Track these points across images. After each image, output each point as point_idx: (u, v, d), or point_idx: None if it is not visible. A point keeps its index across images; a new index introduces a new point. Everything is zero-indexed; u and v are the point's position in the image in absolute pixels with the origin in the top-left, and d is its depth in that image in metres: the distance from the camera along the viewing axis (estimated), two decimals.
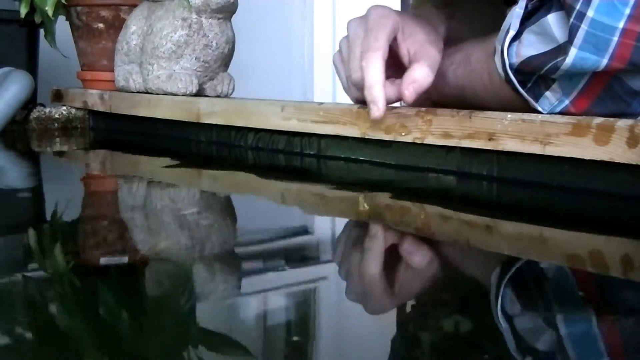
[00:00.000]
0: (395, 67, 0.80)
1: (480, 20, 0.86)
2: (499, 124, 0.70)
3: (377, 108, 0.75)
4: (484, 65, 0.74)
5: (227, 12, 1.18)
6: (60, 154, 1.15)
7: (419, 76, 0.76)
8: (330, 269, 0.51)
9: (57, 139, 1.26)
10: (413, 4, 0.96)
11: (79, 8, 1.35)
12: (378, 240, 0.58)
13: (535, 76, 0.67)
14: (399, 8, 1.74)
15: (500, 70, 0.69)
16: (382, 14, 0.78)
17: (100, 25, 1.35)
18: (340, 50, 0.84)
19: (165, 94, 1.18)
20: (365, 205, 0.69)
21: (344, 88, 0.85)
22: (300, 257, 0.54)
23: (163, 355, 0.36)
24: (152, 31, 1.20)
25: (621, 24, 0.61)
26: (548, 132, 0.66)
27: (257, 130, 0.99)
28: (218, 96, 1.21)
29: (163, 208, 0.72)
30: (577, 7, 0.62)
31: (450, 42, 0.82)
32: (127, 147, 1.19)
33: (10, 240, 0.60)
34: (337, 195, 0.74)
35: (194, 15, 1.16)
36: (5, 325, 0.39)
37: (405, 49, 0.78)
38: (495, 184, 0.73)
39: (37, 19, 1.32)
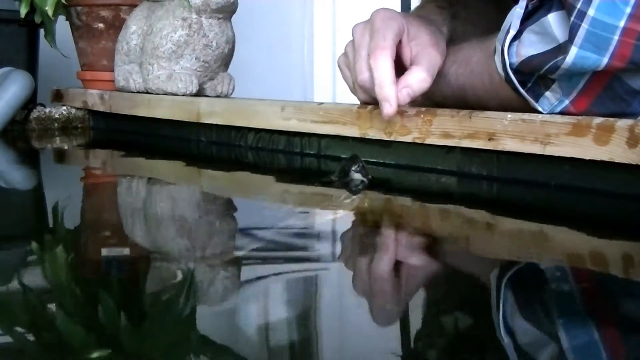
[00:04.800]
0: (399, 69, 0.80)
1: (485, 20, 0.86)
2: (499, 124, 0.70)
3: (390, 105, 0.75)
4: (484, 65, 0.74)
5: (227, 12, 1.18)
6: (60, 153, 1.15)
7: (414, 81, 0.76)
8: (331, 269, 0.51)
9: (57, 139, 1.26)
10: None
11: (79, 8, 1.35)
12: (379, 240, 0.58)
13: (535, 76, 0.67)
14: (398, 9, 1.74)
15: (500, 70, 0.69)
16: (388, 15, 0.78)
17: (100, 25, 1.35)
18: (345, 54, 0.83)
19: (165, 94, 1.18)
20: (365, 205, 0.69)
21: (351, 90, 0.84)
22: (301, 256, 0.54)
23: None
24: (152, 31, 1.20)
25: (622, 23, 0.61)
26: (548, 132, 0.66)
27: (257, 130, 0.99)
28: (218, 96, 1.21)
29: (163, 208, 0.72)
30: (578, 6, 0.62)
31: (453, 42, 0.82)
32: (127, 147, 1.19)
33: (10, 241, 0.60)
34: (337, 194, 0.74)
35: (194, 15, 1.16)
36: (4, 329, 0.39)
37: (408, 51, 0.78)
38: (495, 184, 0.73)
39: (37, 19, 1.32)
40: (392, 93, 0.74)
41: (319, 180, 0.78)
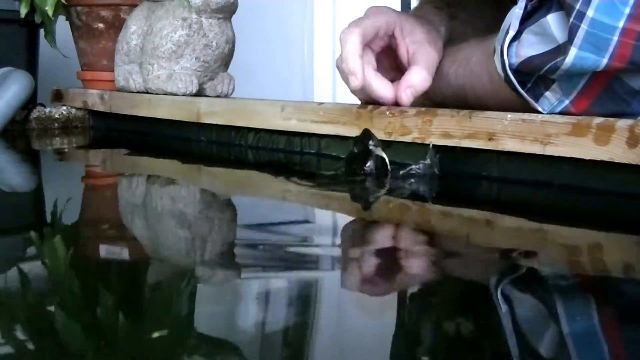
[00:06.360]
0: (396, 68, 0.80)
1: (484, 20, 0.86)
2: (499, 124, 0.70)
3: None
4: (483, 65, 0.74)
5: (227, 12, 1.18)
6: (60, 153, 1.15)
7: (416, 80, 0.76)
8: (331, 268, 0.51)
9: (57, 139, 1.26)
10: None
11: (79, 8, 1.35)
12: (380, 239, 0.58)
13: (534, 76, 0.67)
14: (398, 9, 1.74)
15: (500, 70, 0.69)
16: (378, 10, 0.79)
17: (100, 25, 1.35)
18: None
19: (165, 94, 1.18)
20: (365, 205, 0.70)
21: (351, 91, 0.84)
22: (302, 254, 0.54)
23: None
24: (152, 31, 1.20)
25: (621, 23, 0.61)
26: (548, 132, 0.66)
27: (257, 130, 0.99)
28: (218, 96, 1.21)
29: (163, 206, 0.72)
30: (577, 6, 0.62)
31: (452, 43, 0.82)
32: (127, 147, 1.19)
33: (10, 240, 0.60)
34: (337, 194, 0.74)
35: (194, 15, 1.16)
36: (4, 327, 0.39)
37: (404, 49, 0.78)
38: (495, 184, 0.73)
39: (37, 19, 1.32)
40: (357, 65, 0.75)
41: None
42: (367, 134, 0.74)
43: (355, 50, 0.75)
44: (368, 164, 0.73)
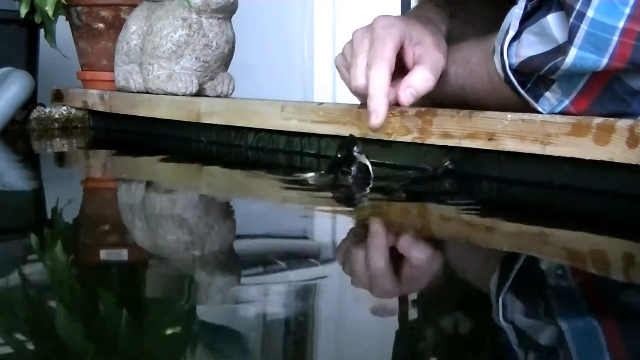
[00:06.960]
0: (398, 70, 0.80)
1: (484, 20, 0.86)
2: (499, 124, 0.70)
3: (376, 116, 0.76)
4: (483, 65, 0.74)
5: (227, 12, 1.18)
6: (60, 154, 1.15)
7: (417, 81, 0.76)
8: (331, 268, 0.51)
9: (57, 139, 1.26)
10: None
11: (79, 8, 1.35)
12: (380, 240, 0.58)
13: (534, 76, 0.67)
14: (398, 8, 1.74)
15: (499, 70, 0.69)
16: (388, 23, 0.78)
17: (100, 25, 1.35)
18: (343, 55, 0.83)
19: (165, 94, 1.18)
20: (366, 205, 0.70)
21: (350, 90, 0.84)
22: (302, 254, 0.54)
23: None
24: (152, 31, 1.20)
25: (621, 24, 0.61)
26: (548, 132, 0.66)
27: (257, 130, 0.99)
28: (218, 96, 1.21)
29: (162, 208, 0.72)
30: (577, 7, 0.62)
31: (451, 42, 0.82)
32: (127, 147, 1.19)
33: (11, 241, 0.60)
34: (337, 194, 0.74)
35: (194, 15, 1.16)
36: (5, 328, 0.39)
37: (411, 53, 0.78)
38: (495, 184, 0.73)
39: (37, 19, 1.32)
40: (381, 106, 0.75)
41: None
42: (352, 140, 0.75)
43: (383, 89, 0.75)
44: (351, 170, 0.73)
